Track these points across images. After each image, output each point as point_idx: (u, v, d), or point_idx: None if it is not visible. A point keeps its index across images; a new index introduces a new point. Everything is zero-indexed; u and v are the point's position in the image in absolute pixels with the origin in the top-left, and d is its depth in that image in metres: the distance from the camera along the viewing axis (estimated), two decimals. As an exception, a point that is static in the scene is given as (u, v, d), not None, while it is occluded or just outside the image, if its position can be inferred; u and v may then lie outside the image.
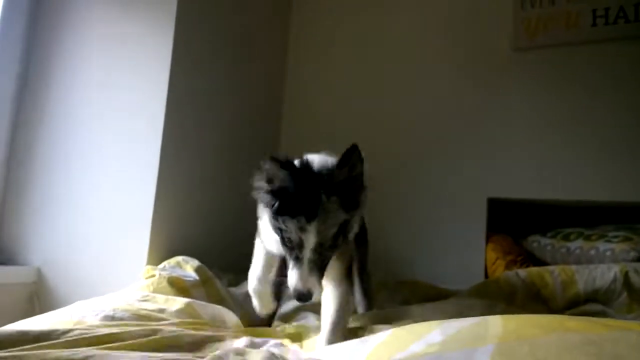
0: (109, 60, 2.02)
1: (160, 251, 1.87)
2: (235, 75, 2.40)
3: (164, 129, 1.89)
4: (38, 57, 2.10)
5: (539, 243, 2.22)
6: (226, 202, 2.26)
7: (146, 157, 1.89)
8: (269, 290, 1.43)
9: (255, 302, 1.42)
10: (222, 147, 2.30)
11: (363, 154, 1.06)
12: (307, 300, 1.04)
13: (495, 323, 0.58)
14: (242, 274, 2.01)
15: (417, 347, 0.59)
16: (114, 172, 1.93)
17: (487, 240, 2.28)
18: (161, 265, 1.78)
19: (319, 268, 1.05)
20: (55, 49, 2.08)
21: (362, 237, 1.54)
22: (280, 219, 1.05)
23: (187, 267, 1.78)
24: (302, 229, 1.02)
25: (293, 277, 1.04)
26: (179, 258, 1.83)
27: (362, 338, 0.79)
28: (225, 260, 2.05)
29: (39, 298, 1.91)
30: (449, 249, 2.33)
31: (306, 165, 1.07)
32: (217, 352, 0.65)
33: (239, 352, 0.68)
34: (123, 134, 1.95)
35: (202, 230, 2.11)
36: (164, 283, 1.60)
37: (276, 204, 1.06)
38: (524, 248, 2.28)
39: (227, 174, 2.31)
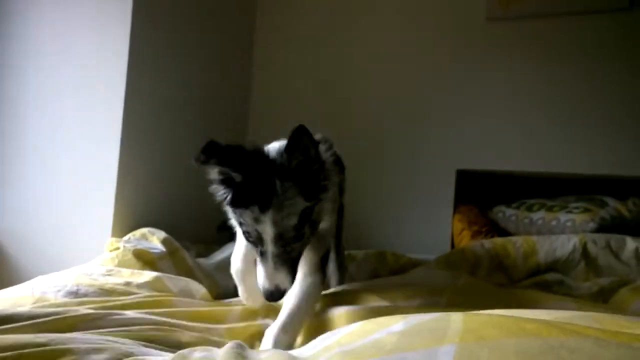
0: (67, 23, 1.91)
1: (126, 222, 1.83)
2: (203, 43, 2.32)
3: (125, 93, 1.82)
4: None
5: (504, 214, 2.28)
6: (194, 171, 2.21)
7: (108, 123, 1.82)
8: (254, 275, 1.24)
9: (240, 290, 1.25)
10: (189, 115, 2.24)
11: (318, 137, 0.99)
12: (277, 299, 0.96)
13: (457, 320, 0.59)
14: (212, 244, 2.00)
15: (379, 335, 0.60)
16: (75, 139, 1.86)
17: (454, 211, 2.32)
18: (126, 237, 1.74)
19: (286, 262, 0.97)
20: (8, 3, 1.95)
21: (339, 210, 1.50)
22: (237, 211, 0.98)
23: (154, 239, 1.75)
24: (257, 220, 0.94)
25: (260, 275, 0.97)
26: (145, 230, 1.80)
27: (329, 333, 0.78)
28: (194, 232, 2.03)
29: (-1, 270, 1.85)
30: (417, 220, 2.37)
31: (255, 151, 0.99)
32: (184, 350, 0.64)
33: (205, 349, 0.67)
34: (83, 101, 1.87)
35: (169, 201, 2.07)
36: (129, 255, 1.56)
37: (229, 196, 0.98)
38: (490, 218, 2.33)
39: (194, 142, 2.25)
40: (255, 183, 0.95)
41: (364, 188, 2.38)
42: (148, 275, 1.40)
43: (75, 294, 1.17)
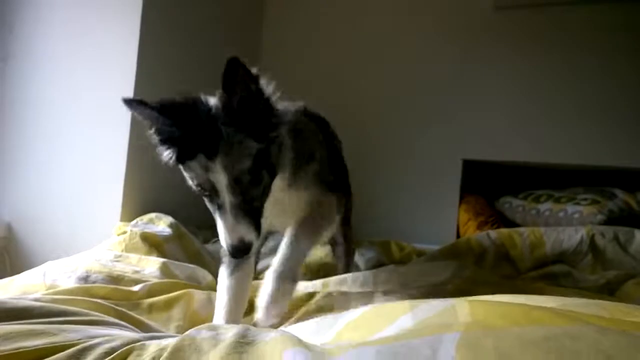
0: (77, 11, 1.90)
1: (135, 208, 1.84)
2: (210, 25, 2.31)
3: (135, 81, 1.82)
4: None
5: (511, 204, 2.27)
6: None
7: (119, 109, 1.81)
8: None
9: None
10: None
11: (255, 70, 0.88)
12: (244, 253, 0.86)
13: (463, 310, 0.60)
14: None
15: (388, 332, 0.60)
16: (86, 126, 1.87)
17: (460, 201, 2.31)
18: (133, 222, 1.75)
19: (247, 213, 0.87)
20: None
21: (343, 182, 1.44)
22: (186, 167, 0.90)
23: (161, 223, 1.76)
24: (207, 169, 0.86)
25: (221, 232, 0.87)
26: (152, 215, 1.81)
27: (331, 316, 0.78)
28: (201, 218, 2.04)
29: (9, 253, 1.87)
30: (422, 209, 2.37)
31: (190, 100, 0.92)
32: (191, 330, 0.65)
33: (212, 327, 0.68)
34: (94, 87, 1.87)
35: (178, 188, 2.06)
36: (137, 239, 1.58)
37: (174, 153, 0.90)
38: (496, 209, 2.33)
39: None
40: (197, 132, 0.87)
41: (370, 177, 2.38)
42: (155, 261, 1.42)
43: (85, 280, 1.19)
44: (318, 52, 2.61)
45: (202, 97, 0.93)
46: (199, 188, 0.91)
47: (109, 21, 1.87)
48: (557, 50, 2.24)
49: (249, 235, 0.86)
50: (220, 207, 0.88)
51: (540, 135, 2.24)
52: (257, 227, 0.89)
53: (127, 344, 0.64)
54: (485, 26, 2.35)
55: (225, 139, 0.85)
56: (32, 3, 1.94)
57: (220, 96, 0.88)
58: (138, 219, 1.78)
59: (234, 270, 1.08)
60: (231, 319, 1.02)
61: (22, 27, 1.94)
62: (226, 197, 0.86)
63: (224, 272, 1.09)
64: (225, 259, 1.09)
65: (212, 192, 0.88)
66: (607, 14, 2.18)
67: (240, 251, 0.85)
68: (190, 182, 0.95)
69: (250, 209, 0.88)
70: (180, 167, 0.93)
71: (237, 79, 0.86)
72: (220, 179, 0.86)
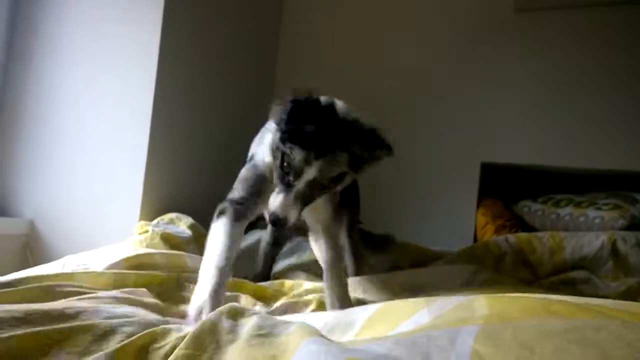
0: (101, 11, 1.95)
1: (153, 207, 1.87)
2: (229, 27, 2.33)
3: (156, 81, 1.85)
4: (26, 3, 2.02)
5: (530, 208, 2.24)
6: (221, 157, 2.24)
7: (139, 109, 1.86)
8: None
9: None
10: (216, 102, 2.26)
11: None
12: (281, 226, 1.03)
13: (481, 304, 0.59)
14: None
15: (405, 328, 0.60)
16: (106, 124, 1.90)
17: (478, 204, 2.29)
18: (154, 222, 1.78)
19: (304, 202, 1.05)
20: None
21: (354, 197, 1.53)
22: (287, 144, 1.04)
23: (181, 224, 1.79)
24: (306, 162, 1.02)
25: (276, 201, 1.03)
26: (173, 215, 1.83)
27: (349, 311, 0.79)
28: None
29: (32, 250, 1.92)
30: (440, 212, 2.34)
31: (335, 110, 1.08)
32: (211, 316, 0.65)
33: (232, 315, 0.68)
34: (115, 87, 1.90)
35: (195, 187, 2.11)
36: (157, 239, 1.61)
37: (288, 129, 1.04)
38: (515, 213, 2.29)
39: (221, 129, 2.28)
40: (322, 134, 1.02)
41: (387, 179, 2.37)
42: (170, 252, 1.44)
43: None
44: (335, 52, 2.62)
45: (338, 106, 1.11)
46: (286, 166, 1.04)
47: (131, 21, 1.90)
48: (578, 52, 2.21)
49: (293, 218, 1.02)
50: (287, 184, 1.03)
51: (560, 138, 2.21)
52: (300, 213, 1.05)
53: (146, 328, 0.65)
54: (506, 28, 2.33)
55: (335, 153, 1.03)
56: (56, 3, 1.99)
57: (358, 128, 1.09)
58: (159, 218, 1.81)
59: (238, 220, 1.18)
60: (226, 265, 1.12)
61: (46, 27, 1.99)
62: (300, 185, 1.02)
63: (226, 219, 1.17)
64: (230, 209, 1.19)
65: (293, 175, 1.03)
66: (631, 15, 2.14)
67: (280, 223, 1.01)
68: (271, 149, 1.13)
69: (307, 200, 1.06)
70: (278, 137, 1.06)
71: (382, 152, 1.12)
72: (310, 174, 1.02)
